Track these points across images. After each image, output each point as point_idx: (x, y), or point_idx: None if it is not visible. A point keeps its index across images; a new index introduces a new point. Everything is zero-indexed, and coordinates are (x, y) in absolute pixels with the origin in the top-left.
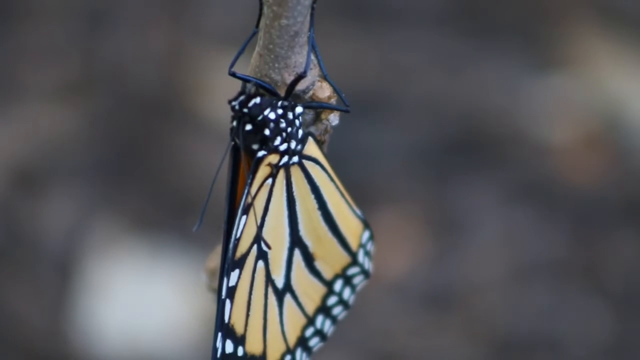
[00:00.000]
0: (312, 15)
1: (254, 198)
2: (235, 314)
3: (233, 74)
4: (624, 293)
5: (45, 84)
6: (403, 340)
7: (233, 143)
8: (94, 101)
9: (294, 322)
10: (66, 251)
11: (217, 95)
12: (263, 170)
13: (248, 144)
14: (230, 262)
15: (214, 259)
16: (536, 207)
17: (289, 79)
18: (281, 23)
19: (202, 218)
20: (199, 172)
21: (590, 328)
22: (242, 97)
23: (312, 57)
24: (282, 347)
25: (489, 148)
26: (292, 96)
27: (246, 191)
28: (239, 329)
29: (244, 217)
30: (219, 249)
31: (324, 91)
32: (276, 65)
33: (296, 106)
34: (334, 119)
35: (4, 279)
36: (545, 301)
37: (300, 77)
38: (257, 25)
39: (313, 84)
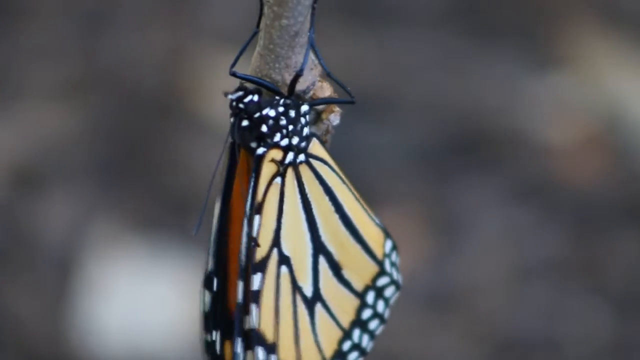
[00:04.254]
0: (312, 15)
1: (264, 197)
2: (263, 321)
3: (234, 74)
4: (624, 293)
5: (45, 83)
6: (403, 340)
7: (231, 140)
8: (94, 101)
9: (328, 334)
10: (66, 251)
11: (217, 95)
12: (267, 168)
13: (246, 141)
14: (252, 265)
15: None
16: (536, 207)
17: (290, 79)
18: (281, 23)
19: (201, 221)
20: (199, 171)
21: (590, 328)
22: (239, 93)
23: (313, 56)
24: (318, 358)
25: (489, 148)
26: (294, 96)
27: (251, 189)
28: (269, 336)
29: (257, 217)
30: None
31: (325, 91)
32: (276, 65)
33: (302, 104)
34: (334, 118)
35: (4, 279)
36: (546, 301)
37: (297, 75)
38: (258, 26)
39: (313, 84)
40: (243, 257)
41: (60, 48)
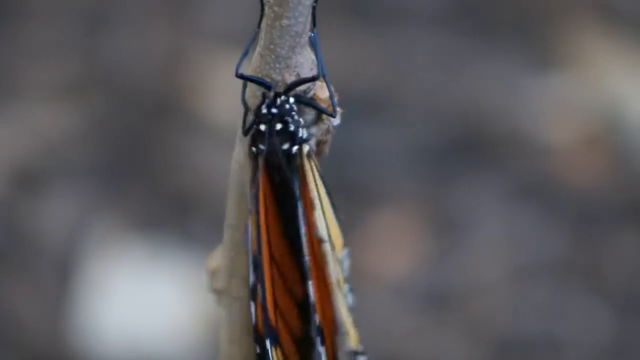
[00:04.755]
0: (313, 15)
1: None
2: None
3: (241, 76)
4: (624, 293)
5: (45, 83)
6: (403, 340)
7: (256, 149)
8: (94, 101)
9: (347, 317)
10: (66, 251)
11: (218, 95)
12: (305, 164)
13: (279, 144)
14: (331, 261)
15: (215, 259)
16: (536, 207)
17: (290, 79)
18: (282, 23)
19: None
20: (199, 171)
21: (590, 328)
22: (267, 100)
23: (313, 57)
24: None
25: (488, 148)
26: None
27: (298, 189)
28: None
29: (317, 213)
30: (219, 249)
31: (325, 91)
32: (277, 65)
33: (289, 97)
34: (335, 119)
35: (4, 279)
36: (546, 301)
37: (315, 78)
38: (259, 26)
39: (314, 84)
40: (307, 258)
41: (61, 48)
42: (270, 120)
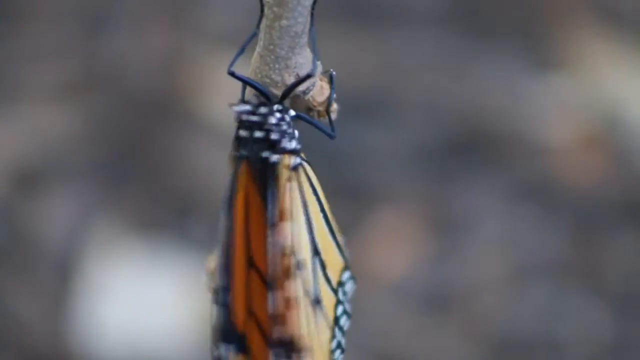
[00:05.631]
0: (312, 15)
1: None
2: (301, 327)
3: (232, 74)
4: (624, 293)
5: (46, 84)
6: (403, 340)
7: (236, 153)
8: (94, 101)
9: (324, 334)
10: (66, 251)
11: (218, 95)
12: (284, 174)
13: (258, 151)
14: (287, 272)
15: (215, 260)
16: (536, 207)
17: (290, 79)
18: (281, 24)
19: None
20: (199, 172)
21: (590, 328)
22: (246, 107)
23: (311, 56)
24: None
25: (488, 148)
26: (291, 96)
27: (273, 197)
28: (304, 342)
29: (286, 223)
30: (219, 249)
31: (324, 92)
32: (276, 66)
33: (289, 109)
34: (332, 116)
35: (4, 279)
36: (545, 301)
37: (307, 77)
38: (258, 26)
39: (313, 84)
40: (274, 267)
41: (61, 48)
42: (249, 127)
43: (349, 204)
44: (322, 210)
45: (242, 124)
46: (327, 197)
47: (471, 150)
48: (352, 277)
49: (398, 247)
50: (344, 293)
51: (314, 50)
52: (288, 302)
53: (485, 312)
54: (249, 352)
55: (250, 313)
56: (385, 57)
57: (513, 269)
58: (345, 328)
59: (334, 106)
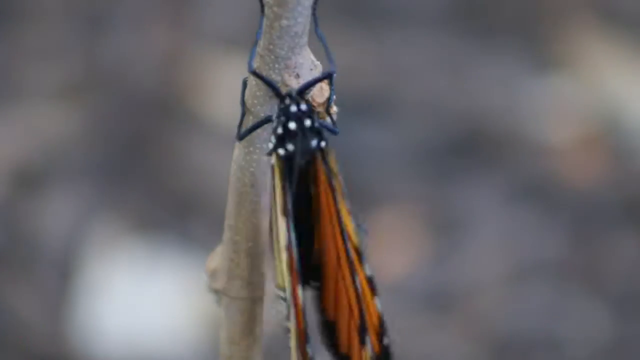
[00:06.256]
0: (313, 15)
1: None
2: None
3: (254, 72)
4: (624, 293)
5: (46, 84)
6: (403, 340)
7: (285, 153)
8: (94, 101)
9: None
10: (66, 251)
11: (218, 95)
12: (332, 161)
13: (309, 141)
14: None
15: (215, 260)
16: (536, 207)
17: (289, 79)
18: (281, 24)
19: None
20: (200, 172)
21: (590, 328)
22: (289, 100)
23: (313, 57)
24: None
25: (488, 148)
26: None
27: (338, 189)
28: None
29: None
30: (219, 250)
31: (324, 93)
32: (276, 66)
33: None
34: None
35: (4, 279)
36: (545, 301)
37: (330, 75)
38: (261, 26)
39: (310, 92)
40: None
41: (61, 48)
42: (299, 117)
43: (348, 203)
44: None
45: (291, 117)
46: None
47: (471, 151)
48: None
49: (398, 247)
50: None
51: (327, 49)
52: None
53: (485, 312)
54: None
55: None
56: (385, 57)
57: (513, 268)
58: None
59: (334, 108)
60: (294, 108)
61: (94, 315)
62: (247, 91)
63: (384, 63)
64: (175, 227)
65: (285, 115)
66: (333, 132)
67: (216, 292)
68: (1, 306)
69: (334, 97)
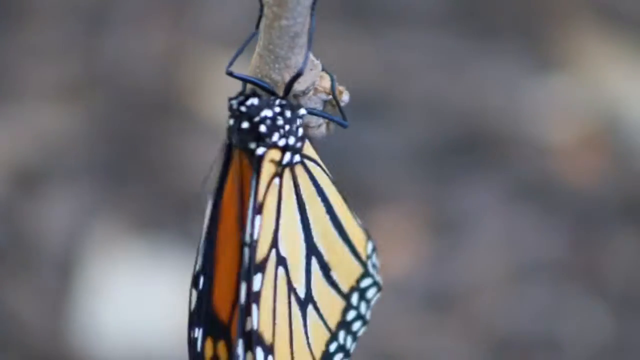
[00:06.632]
0: (312, 15)
1: (264, 198)
2: (262, 322)
3: (230, 74)
4: (624, 293)
5: (45, 84)
6: (403, 340)
7: (227, 142)
8: (94, 101)
9: (318, 335)
10: (66, 251)
11: (218, 95)
12: (267, 168)
13: (245, 142)
14: (253, 266)
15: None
16: (536, 207)
17: (289, 79)
18: (281, 24)
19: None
20: (199, 172)
21: (590, 328)
22: (240, 97)
23: (313, 57)
24: None
25: (488, 148)
26: (292, 96)
27: (253, 190)
28: (267, 337)
29: (258, 217)
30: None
31: (325, 81)
32: (276, 65)
33: (299, 107)
34: (345, 98)
35: (4, 279)
36: (545, 301)
37: (298, 75)
38: (257, 27)
39: (313, 84)
40: (246, 258)
41: (61, 49)
42: (237, 117)
43: (349, 203)
44: (329, 212)
45: (232, 113)
46: (348, 202)
47: (471, 150)
48: (376, 285)
49: (398, 246)
50: (362, 299)
51: (308, 47)
52: (252, 296)
53: (485, 312)
54: (230, 339)
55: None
56: (385, 57)
57: (513, 268)
58: (358, 333)
59: (344, 96)
60: (235, 105)
61: (94, 315)
62: (247, 88)
63: (384, 63)
64: (175, 226)
65: (229, 109)
66: (342, 125)
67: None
68: (1, 306)
69: (337, 84)
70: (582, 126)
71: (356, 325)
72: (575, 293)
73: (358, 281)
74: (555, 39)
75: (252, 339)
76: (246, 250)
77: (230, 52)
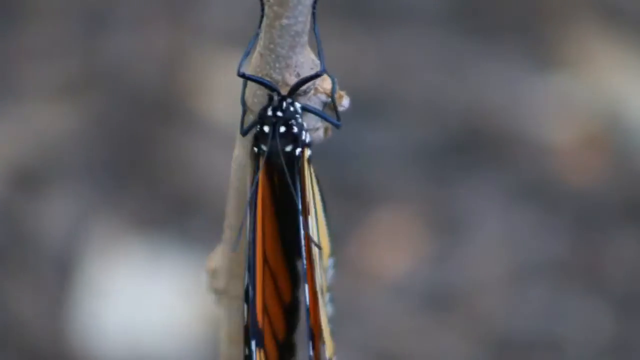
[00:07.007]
0: (313, 14)
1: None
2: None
3: (242, 75)
4: (624, 293)
5: (45, 83)
6: (403, 340)
7: (257, 150)
8: (94, 101)
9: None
10: (66, 251)
11: (218, 95)
12: (306, 168)
13: (282, 146)
14: (311, 265)
15: (215, 259)
16: (536, 207)
17: (290, 78)
18: (282, 23)
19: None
20: (199, 172)
21: (590, 328)
22: (273, 102)
23: (313, 57)
24: (330, 351)
25: (489, 148)
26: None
27: (300, 191)
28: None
29: (309, 218)
30: (219, 249)
31: (325, 83)
32: (277, 65)
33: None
34: (345, 102)
35: (4, 279)
36: (546, 301)
37: (316, 75)
38: (260, 26)
39: (314, 84)
40: (305, 261)
41: (61, 48)
42: (274, 122)
43: (349, 203)
44: (322, 199)
45: (265, 120)
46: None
47: (472, 150)
48: (335, 264)
49: (398, 246)
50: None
51: (320, 48)
52: (315, 295)
53: (486, 312)
54: (265, 348)
55: (265, 310)
56: (385, 57)
57: (513, 268)
58: (329, 316)
59: (344, 99)
60: (269, 112)
61: (94, 315)
62: (247, 90)
63: (384, 63)
64: (175, 226)
65: (261, 117)
66: (336, 125)
67: (216, 292)
68: (1, 306)
69: (337, 87)
70: (583, 126)
71: (330, 309)
72: (575, 293)
73: (327, 262)
74: (556, 39)
75: (319, 337)
76: (303, 253)
77: (231, 52)
